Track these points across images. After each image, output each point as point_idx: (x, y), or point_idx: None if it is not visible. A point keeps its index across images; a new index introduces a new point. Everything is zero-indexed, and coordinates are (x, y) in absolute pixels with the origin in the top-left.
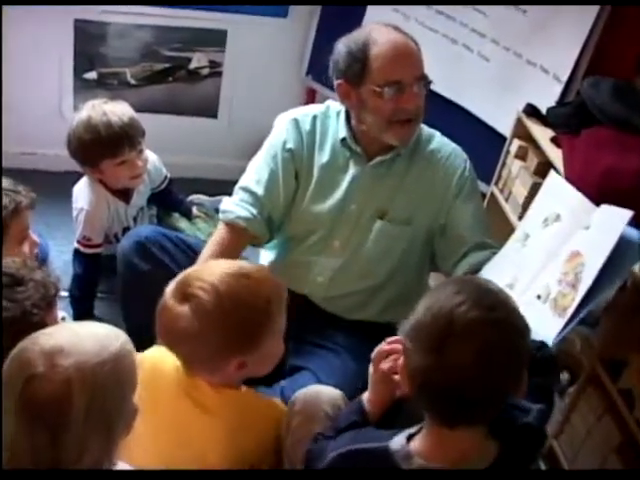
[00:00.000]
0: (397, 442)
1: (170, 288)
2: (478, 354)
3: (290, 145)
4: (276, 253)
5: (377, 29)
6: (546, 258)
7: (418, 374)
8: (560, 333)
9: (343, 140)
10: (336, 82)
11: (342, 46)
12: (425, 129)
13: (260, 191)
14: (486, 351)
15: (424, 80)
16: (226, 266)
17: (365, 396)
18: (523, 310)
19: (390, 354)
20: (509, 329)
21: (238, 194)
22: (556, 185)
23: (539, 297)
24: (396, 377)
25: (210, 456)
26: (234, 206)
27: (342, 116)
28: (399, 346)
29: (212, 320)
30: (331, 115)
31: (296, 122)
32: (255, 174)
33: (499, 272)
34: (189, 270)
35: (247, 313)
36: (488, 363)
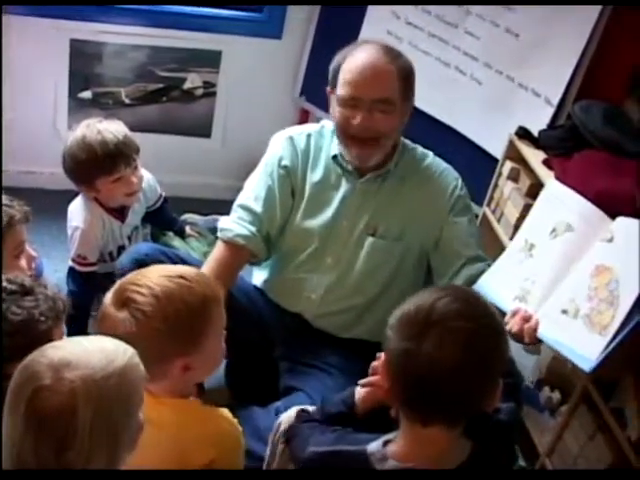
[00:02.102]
0: (374, 446)
1: (108, 296)
2: (455, 348)
3: (286, 162)
4: (269, 272)
5: (362, 47)
6: (561, 269)
7: (395, 361)
8: (604, 351)
9: (334, 157)
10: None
11: (336, 55)
12: (419, 149)
13: (258, 208)
14: (463, 346)
15: (386, 104)
16: (161, 269)
17: (359, 387)
18: (546, 323)
19: None
20: (488, 330)
21: (236, 212)
22: (559, 193)
23: (565, 312)
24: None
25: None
26: (232, 224)
27: (335, 134)
28: None
29: (152, 321)
30: (325, 134)
31: (291, 140)
32: (252, 192)
33: (503, 284)
34: (125, 278)
35: (186, 311)
36: (463, 359)
